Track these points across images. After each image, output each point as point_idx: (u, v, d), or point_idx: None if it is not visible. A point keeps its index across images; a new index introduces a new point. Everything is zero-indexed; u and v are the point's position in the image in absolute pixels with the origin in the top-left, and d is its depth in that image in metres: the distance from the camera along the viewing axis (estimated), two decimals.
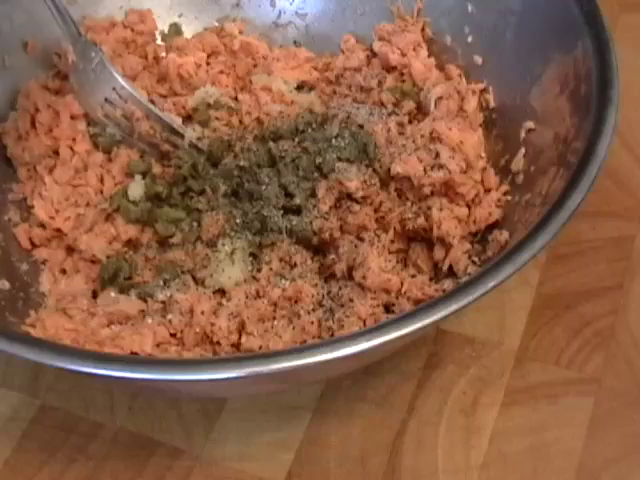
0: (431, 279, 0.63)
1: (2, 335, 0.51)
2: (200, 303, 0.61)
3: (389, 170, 0.65)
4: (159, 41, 0.79)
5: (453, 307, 0.50)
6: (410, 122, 0.70)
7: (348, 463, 0.60)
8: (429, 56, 0.74)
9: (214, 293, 0.62)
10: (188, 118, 0.73)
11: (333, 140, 0.66)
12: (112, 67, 0.70)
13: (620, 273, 0.67)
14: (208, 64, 0.77)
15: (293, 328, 0.59)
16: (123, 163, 0.69)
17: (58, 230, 0.67)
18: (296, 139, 0.67)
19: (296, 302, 0.60)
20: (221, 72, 0.76)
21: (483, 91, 0.71)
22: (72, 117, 0.71)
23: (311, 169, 0.65)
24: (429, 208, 0.64)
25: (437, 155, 0.64)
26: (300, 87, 0.76)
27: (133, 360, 0.53)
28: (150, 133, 0.70)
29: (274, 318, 0.60)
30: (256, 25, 0.80)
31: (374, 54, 0.76)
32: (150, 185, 0.67)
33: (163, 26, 0.79)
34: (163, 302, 0.62)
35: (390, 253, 0.64)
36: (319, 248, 0.64)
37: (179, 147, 0.70)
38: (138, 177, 0.68)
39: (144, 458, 0.61)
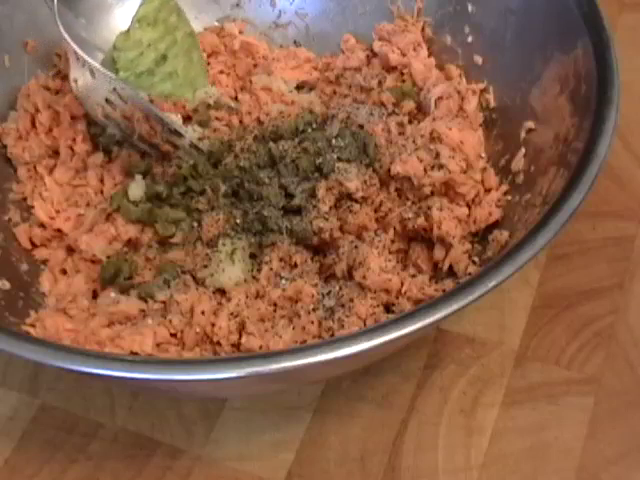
0: (431, 279, 0.63)
1: (2, 335, 0.51)
2: (200, 303, 0.61)
3: (389, 170, 0.65)
4: None
5: (453, 307, 0.50)
6: (410, 122, 0.70)
7: (348, 463, 0.60)
8: (429, 56, 0.74)
9: (214, 293, 0.62)
10: (188, 118, 0.73)
11: (333, 140, 0.66)
12: None
13: (620, 273, 0.67)
14: (208, 64, 0.77)
15: (293, 328, 0.59)
16: (123, 163, 0.69)
17: (58, 230, 0.67)
18: (296, 139, 0.67)
19: (296, 302, 0.60)
20: (221, 72, 0.76)
21: (483, 91, 0.71)
22: (72, 117, 0.71)
23: (311, 169, 0.65)
24: (429, 208, 0.63)
25: (437, 155, 0.65)
26: (300, 87, 0.76)
27: (133, 360, 0.53)
28: (150, 134, 0.70)
29: (274, 318, 0.60)
30: (256, 25, 0.80)
31: (374, 54, 0.76)
32: (150, 185, 0.67)
33: None
34: (163, 302, 0.62)
35: (390, 253, 0.64)
36: (319, 248, 0.64)
37: (179, 147, 0.69)
38: (138, 177, 0.68)
39: (144, 458, 0.61)
